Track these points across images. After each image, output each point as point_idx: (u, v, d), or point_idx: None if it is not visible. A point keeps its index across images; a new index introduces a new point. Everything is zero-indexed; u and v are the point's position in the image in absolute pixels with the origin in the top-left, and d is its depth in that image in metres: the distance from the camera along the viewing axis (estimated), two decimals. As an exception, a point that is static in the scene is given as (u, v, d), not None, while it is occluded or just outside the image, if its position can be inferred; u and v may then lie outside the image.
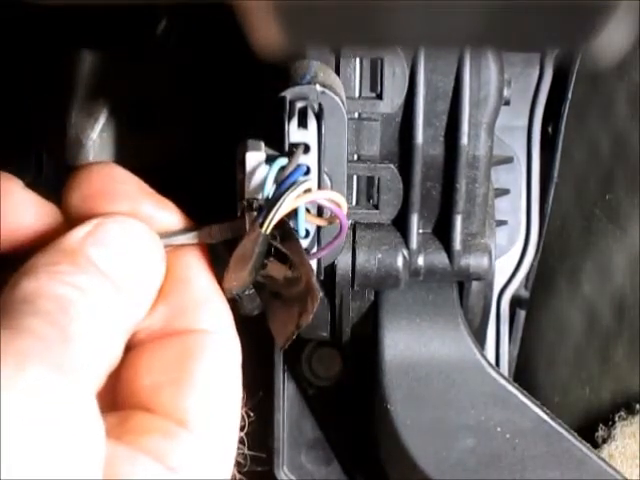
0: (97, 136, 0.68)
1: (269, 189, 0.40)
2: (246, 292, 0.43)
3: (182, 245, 0.40)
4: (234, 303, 0.41)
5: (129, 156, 0.67)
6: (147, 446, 0.34)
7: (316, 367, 0.61)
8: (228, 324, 0.39)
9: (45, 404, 0.29)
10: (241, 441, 0.39)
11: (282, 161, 0.41)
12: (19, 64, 0.67)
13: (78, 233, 0.37)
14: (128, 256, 0.37)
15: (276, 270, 0.42)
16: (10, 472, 0.28)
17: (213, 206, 0.44)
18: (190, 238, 0.41)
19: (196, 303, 0.39)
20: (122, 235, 0.38)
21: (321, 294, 0.42)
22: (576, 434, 0.54)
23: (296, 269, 0.41)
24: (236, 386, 0.39)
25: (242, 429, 0.39)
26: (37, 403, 0.29)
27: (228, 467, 0.37)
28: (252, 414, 0.43)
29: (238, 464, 0.41)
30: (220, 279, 0.41)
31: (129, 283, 0.37)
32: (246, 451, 0.43)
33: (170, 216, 0.41)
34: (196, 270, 0.40)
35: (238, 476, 0.43)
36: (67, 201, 0.40)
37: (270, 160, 0.41)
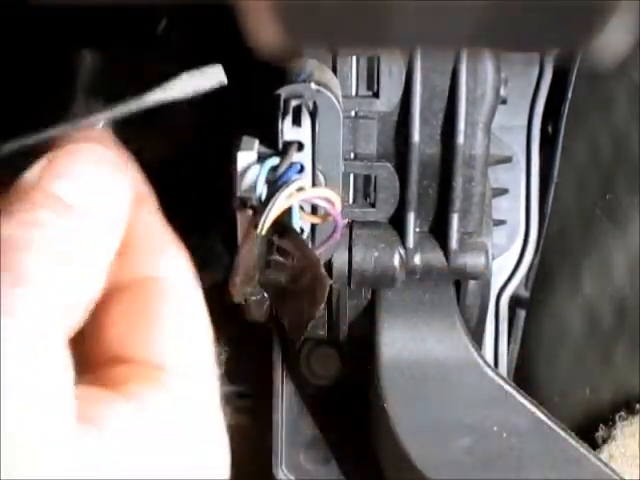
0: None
1: (260, 189, 0.40)
2: (253, 297, 0.43)
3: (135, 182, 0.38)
4: (242, 309, 0.41)
5: (129, 155, 0.67)
6: (128, 392, 0.33)
7: (314, 366, 0.61)
8: (186, 270, 0.38)
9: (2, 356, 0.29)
10: (222, 378, 0.39)
11: (273, 160, 0.41)
12: (19, 64, 0.67)
13: (33, 170, 0.34)
14: (91, 182, 0.35)
15: (280, 267, 0.42)
16: None
17: (213, 203, 0.44)
18: (161, 94, 0.39)
19: (151, 250, 0.37)
20: (79, 162, 0.35)
21: (330, 281, 0.42)
22: (574, 434, 0.54)
23: (300, 262, 0.41)
24: (204, 325, 0.37)
25: (220, 366, 0.39)
26: None
27: (214, 403, 0.36)
28: (228, 349, 0.42)
29: (226, 402, 0.40)
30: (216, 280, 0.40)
31: (97, 209, 0.35)
32: (229, 387, 0.43)
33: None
34: (148, 217, 0.38)
35: (228, 412, 0.42)
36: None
37: (262, 159, 0.41)
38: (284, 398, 0.61)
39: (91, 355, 0.35)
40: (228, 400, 0.43)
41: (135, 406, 0.33)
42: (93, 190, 0.35)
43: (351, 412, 0.61)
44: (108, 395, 0.33)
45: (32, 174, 0.35)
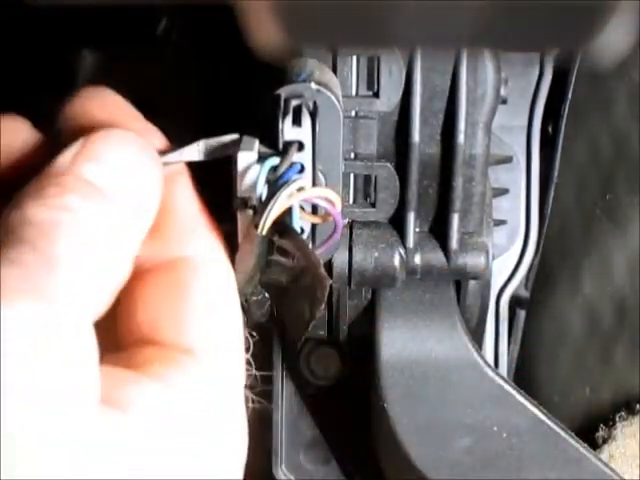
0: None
1: (261, 189, 0.40)
2: (254, 297, 0.43)
3: (168, 165, 0.39)
4: (243, 310, 0.41)
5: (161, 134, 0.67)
6: (153, 373, 0.33)
7: (314, 366, 0.61)
8: (219, 248, 0.39)
9: (33, 338, 0.29)
10: (248, 362, 0.39)
11: (274, 160, 0.41)
12: (19, 64, 0.67)
13: (65, 155, 0.35)
14: (123, 168, 0.36)
15: (281, 267, 0.42)
16: (8, 418, 0.28)
17: (214, 203, 0.44)
18: (177, 156, 0.40)
19: (184, 230, 0.38)
20: (113, 148, 0.36)
21: (330, 281, 0.42)
22: (574, 434, 0.54)
23: (300, 262, 0.41)
24: (235, 308, 0.38)
25: (247, 350, 0.39)
26: (25, 340, 0.29)
27: (238, 389, 0.37)
28: (255, 334, 0.42)
29: (251, 386, 0.41)
30: None
31: (128, 195, 0.35)
32: (254, 372, 0.43)
33: (156, 140, 0.40)
34: (181, 196, 0.39)
35: (251, 396, 0.43)
36: (60, 127, 0.39)
37: (262, 159, 0.41)
38: (284, 398, 0.61)
39: (121, 336, 0.36)
40: (252, 385, 0.43)
41: (160, 387, 0.33)
42: (124, 176, 0.36)
43: (351, 412, 0.61)
44: (133, 376, 0.33)
45: (64, 158, 0.35)
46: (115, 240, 0.34)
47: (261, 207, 0.40)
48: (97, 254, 0.33)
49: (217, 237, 0.39)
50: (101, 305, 0.34)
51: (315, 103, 0.44)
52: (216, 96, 0.63)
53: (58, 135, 0.39)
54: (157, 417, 0.32)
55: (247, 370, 0.39)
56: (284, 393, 0.61)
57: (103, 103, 0.40)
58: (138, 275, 0.36)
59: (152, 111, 0.68)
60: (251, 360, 0.41)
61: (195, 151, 0.41)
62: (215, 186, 0.43)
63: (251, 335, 0.41)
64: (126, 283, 0.36)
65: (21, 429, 0.28)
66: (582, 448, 0.53)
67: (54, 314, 0.30)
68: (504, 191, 0.65)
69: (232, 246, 0.41)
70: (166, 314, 0.36)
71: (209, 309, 0.36)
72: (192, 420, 0.33)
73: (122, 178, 0.35)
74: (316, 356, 0.61)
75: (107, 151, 0.36)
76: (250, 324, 0.41)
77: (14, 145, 0.39)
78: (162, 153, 0.40)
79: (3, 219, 0.33)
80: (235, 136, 0.42)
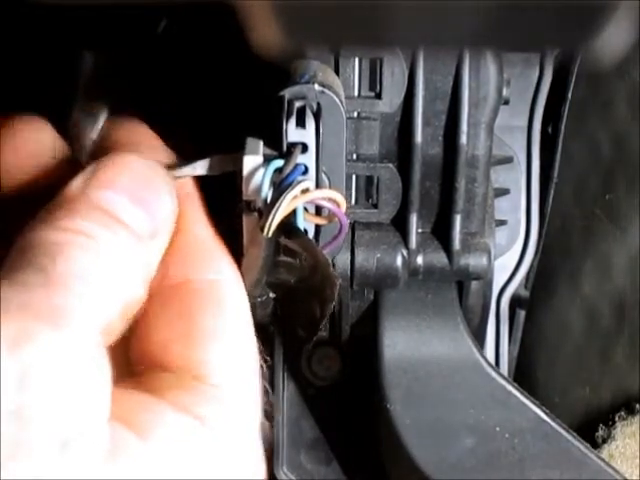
0: (97, 136, 0.68)
1: (266, 192, 0.40)
2: (259, 299, 0.43)
3: (178, 179, 0.39)
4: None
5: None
6: (171, 400, 0.33)
7: (316, 367, 0.61)
8: (231, 272, 0.38)
9: (29, 353, 0.29)
10: (264, 390, 0.39)
11: (278, 163, 0.41)
12: (19, 64, 0.67)
13: (77, 180, 0.36)
14: (134, 192, 0.36)
15: (289, 267, 0.42)
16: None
17: (214, 205, 0.44)
18: (187, 171, 0.40)
19: (196, 252, 0.38)
20: (124, 172, 0.36)
21: (339, 280, 0.42)
22: (575, 434, 0.54)
23: (309, 262, 0.41)
24: (248, 333, 0.38)
25: (263, 377, 0.38)
26: (20, 354, 0.28)
27: (255, 416, 0.36)
28: (269, 359, 0.42)
29: (265, 412, 0.41)
30: None
31: (140, 219, 0.35)
32: (271, 398, 0.42)
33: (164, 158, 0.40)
34: (193, 218, 0.39)
35: (267, 423, 0.42)
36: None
37: (266, 161, 0.41)
38: (285, 398, 0.61)
39: (135, 359, 0.36)
40: (267, 411, 0.43)
41: (179, 416, 0.33)
42: (136, 200, 0.35)
43: (353, 413, 0.61)
44: (152, 400, 0.33)
45: (77, 184, 0.35)
46: (127, 265, 0.34)
47: (266, 210, 0.40)
48: (108, 279, 0.33)
49: (230, 259, 0.39)
50: (114, 330, 0.33)
51: (319, 104, 0.44)
52: (218, 97, 0.63)
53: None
54: (174, 445, 0.32)
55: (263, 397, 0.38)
56: (285, 393, 0.61)
57: (124, 128, 0.40)
58: (151, 297, 0.36)
59: (152, 112, 0.68)
60: (268, 388, 0.41)
61: (205, 166, 0.41)
62: (218, 190, 0.43)
63: (265, 361, 0.41)
64: (141, 306, 0.35)
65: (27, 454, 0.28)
66: (584, 448, 0.54)
67: (63, 338, 0.30)
68: (504, 191, 0.65)
69: (236, 248, 0.41)
70: (178, 338, 0.35)
71: (222, 334, 0.36)
72: (210, 450, 0.33)
73: (134, 203, 0.36)
74: (318, 356, 0.61)
75: (118, 176, 0.36)
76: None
77: (38, 154, 0.39)
78: (173, 167, 0.40)
79: (16, 242, 0.33)
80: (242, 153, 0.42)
